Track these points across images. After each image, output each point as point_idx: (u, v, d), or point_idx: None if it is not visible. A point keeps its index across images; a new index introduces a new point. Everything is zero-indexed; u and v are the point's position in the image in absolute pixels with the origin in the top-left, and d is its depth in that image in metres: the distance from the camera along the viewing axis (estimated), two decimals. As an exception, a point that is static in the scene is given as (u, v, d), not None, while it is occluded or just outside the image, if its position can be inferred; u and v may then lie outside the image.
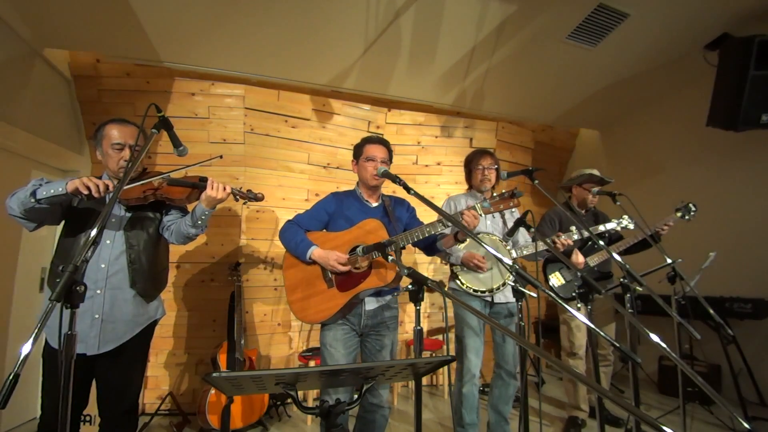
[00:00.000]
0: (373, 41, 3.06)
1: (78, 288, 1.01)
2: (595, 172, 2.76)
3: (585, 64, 3.44)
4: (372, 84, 3.65)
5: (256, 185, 3.46)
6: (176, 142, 1.57)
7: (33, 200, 1.49)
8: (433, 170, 4.09)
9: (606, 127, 4.64)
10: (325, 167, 3.77)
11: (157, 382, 3.18)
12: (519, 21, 2.92)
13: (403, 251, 1.92)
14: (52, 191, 1.50)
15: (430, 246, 2.10)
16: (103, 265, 1.62)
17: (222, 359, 2.79)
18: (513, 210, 2.48)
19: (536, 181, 1.84)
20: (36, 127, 2.73)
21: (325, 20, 2.83)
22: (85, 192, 1.46)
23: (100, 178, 1.78)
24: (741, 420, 1.02)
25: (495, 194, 1.81)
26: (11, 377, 0.83)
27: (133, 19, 2.66)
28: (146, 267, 1.71)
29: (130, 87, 3.23)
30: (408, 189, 1.53)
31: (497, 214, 2.45)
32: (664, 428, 0.63)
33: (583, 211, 2.83)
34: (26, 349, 0.88)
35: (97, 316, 1.59)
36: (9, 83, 2.56)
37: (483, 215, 1.83)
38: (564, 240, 2.21)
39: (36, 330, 0.90)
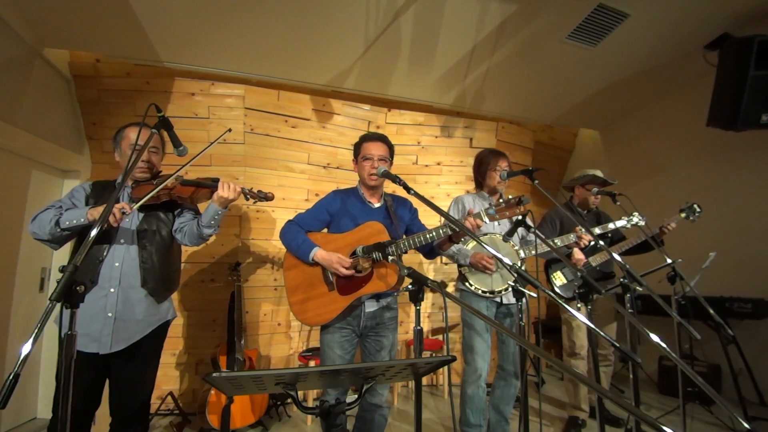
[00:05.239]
0: (373, 41, 3.06)
1: (78, 288, 1.00)
2: (599, 173, 2.74)
3: (585, 64, 3.43)
4: (372, 84, 3.65)
5: (256, 185, 3.41)
6: (176, 142, 1.59)
7: (58, 229, 1.59)
8: (433, 170, 4.09)
9: (606, 127, 4.63)
10: (325, 167, 3.77)
11: (157, 382, 3.09)
12: (519, 21, 2.92)
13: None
14: (74, 221, 1.59)
15: (431, 250, 2.06)
16: (117, 264, 1.66)
17: (222, 359, 2.79)
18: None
19: (536, 181, 1.83)
20: (36, 127, 2.73)
21: (325, 20, 2.83)
22: (114, 224, 1.52)
23: (106, 182, 1.84)
24: (741, 420, 1.02)
25: (501, 200, 1.74)
26: (11, 377, 0.83)
27: (133, 19, 2.66)
28: (157, 267, 1.74)
29: (130, 87, 3.23)
30: (408, 189, 1.52)
31: None
32: (664, 428, 0.62)
33: (585, 212, 2.82)
34: (26, 349, 0.88)
35: (110, 314, 1.61)
36: (9, 83, 2.56)
37: (488, 222, 1.79)
38: (586, 236, 2.19)
39: (36, 330, 0.90)
